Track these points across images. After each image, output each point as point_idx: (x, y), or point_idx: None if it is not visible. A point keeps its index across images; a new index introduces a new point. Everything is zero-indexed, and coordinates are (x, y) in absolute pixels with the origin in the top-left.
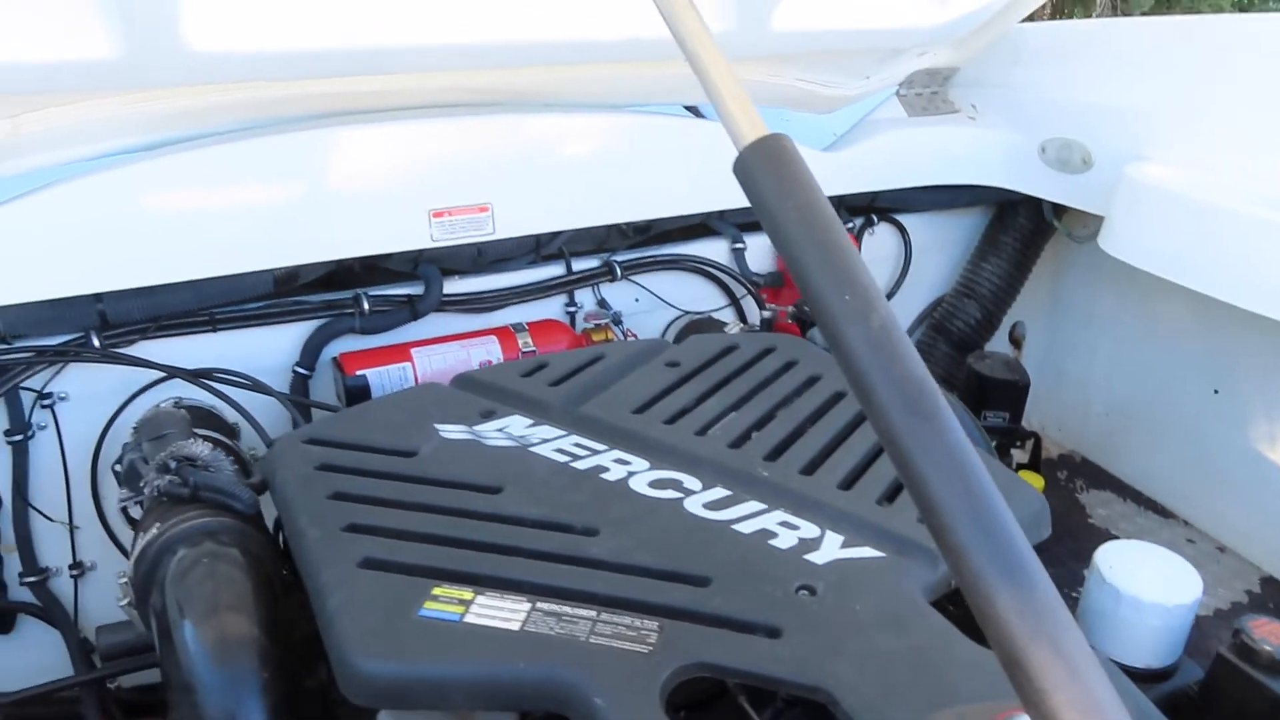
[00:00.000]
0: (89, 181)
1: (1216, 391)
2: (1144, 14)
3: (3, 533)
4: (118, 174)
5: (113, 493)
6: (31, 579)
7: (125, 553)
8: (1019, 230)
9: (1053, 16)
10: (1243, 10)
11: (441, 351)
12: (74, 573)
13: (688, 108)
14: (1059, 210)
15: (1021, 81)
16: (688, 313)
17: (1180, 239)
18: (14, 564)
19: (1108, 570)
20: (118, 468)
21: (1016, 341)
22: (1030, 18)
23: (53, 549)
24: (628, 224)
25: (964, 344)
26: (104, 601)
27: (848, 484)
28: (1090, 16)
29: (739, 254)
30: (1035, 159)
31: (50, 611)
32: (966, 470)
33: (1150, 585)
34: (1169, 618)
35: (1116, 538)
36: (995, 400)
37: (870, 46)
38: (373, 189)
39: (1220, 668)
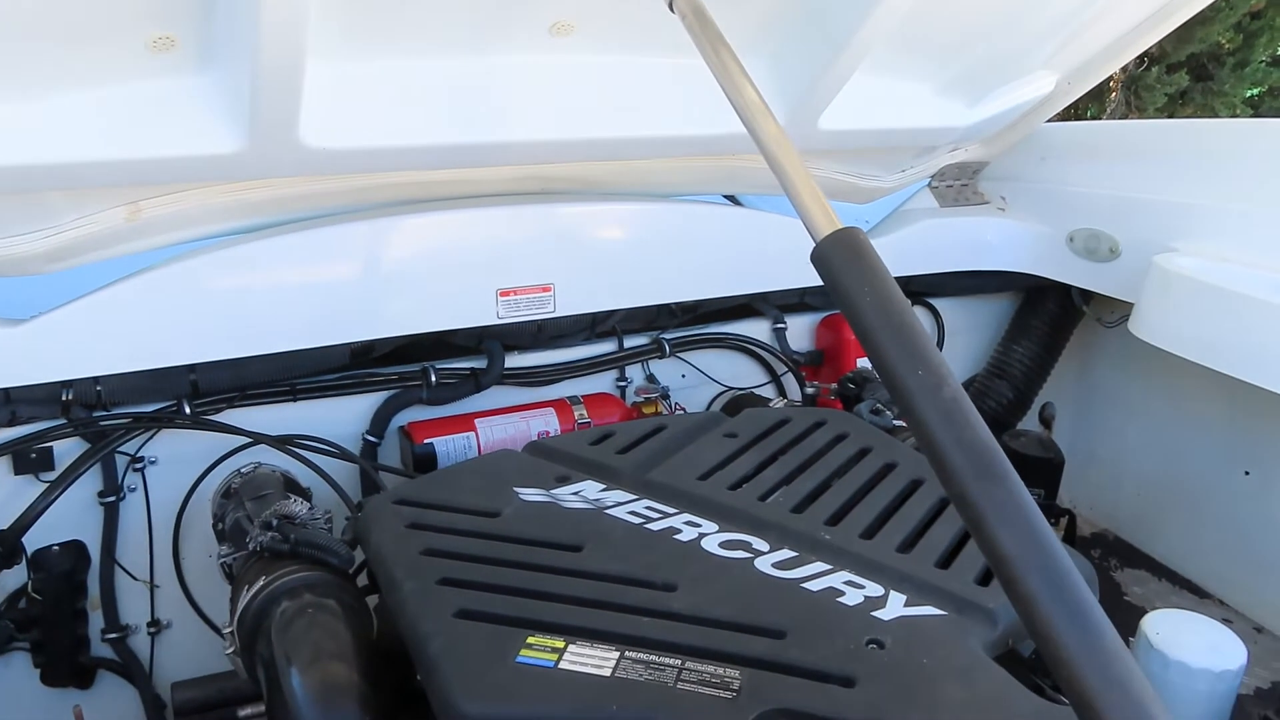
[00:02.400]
0: (189, 263)
1: (1247, 473)
2: (1156, 110)
3: (89, 590)
4: (214, 256)
5: (192, 552)
6: (112, 635)
7: (200, 612)
8: (1048, 315)
9: (1067, 111)
10: (1254, 108)
11: (503, 422)
12: (152, 630)
13: (727, 197)
14: (1087, 296)
15: (1049, 176)
16: (732, 388)
17: (1210, 325)
18: (96, 621)
19: (1155, 637)
20: (221, 526)
21: (1046, 422)
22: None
23: (132, 608)
24: (676, 304)
25: (996, 423)
26: (178, 658)
27: (906, 548)
28: (1103, 113)
29: (780, 333)
30: (1064, 248)
31: (129, 667)
32: (1035, 527)
33: (1197, 651)
34: (1216, 683)
35: None
36: (1030, 478)
37: (907, 144)
38: (445, 270)
39: None
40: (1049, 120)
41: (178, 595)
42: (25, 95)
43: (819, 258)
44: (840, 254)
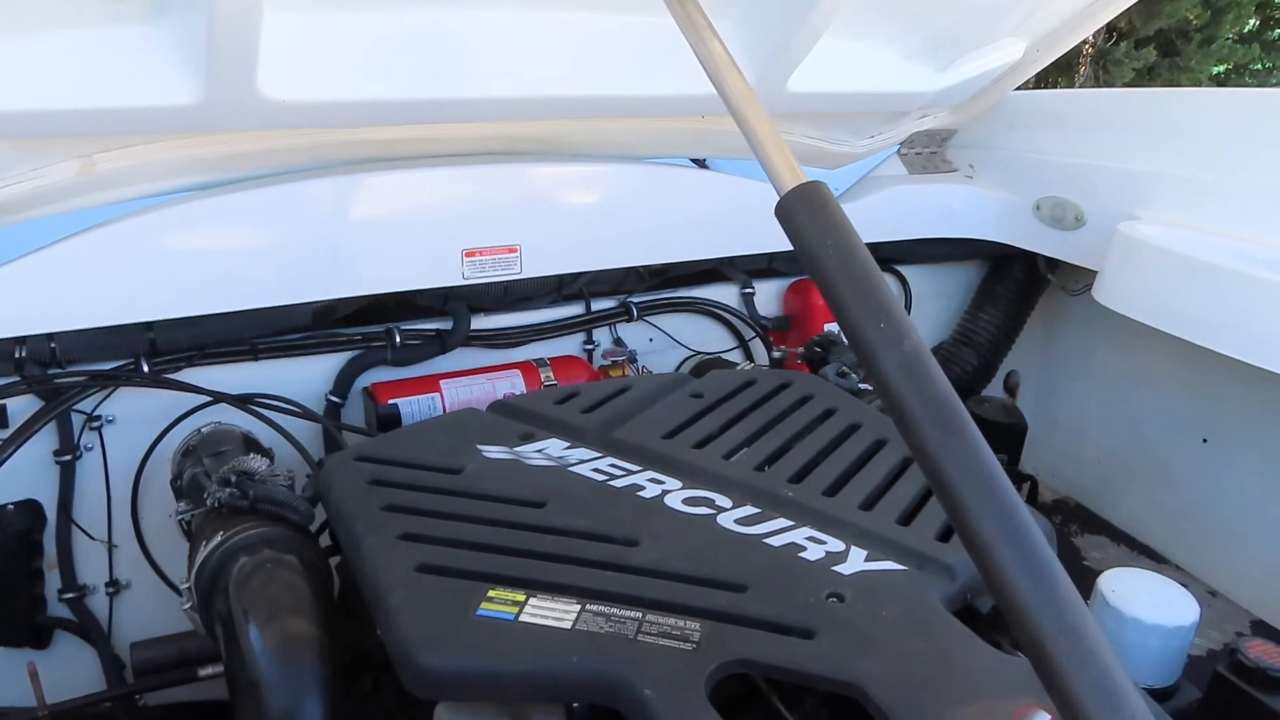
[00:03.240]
0: (146, 218)
1: (1205, 440)
2: (1124, 85)
3: (46, 550)
4: (172, 211)
5: (151, 512)
6: (70, 595)
7: (159, 572)
8: (1014, 282)
9: (1036, 84)
10: (1220, 85)
11: (468, 384)
12: (110, 590)
13: (695, 161)
14: (1053, 264)
15: (1016, 144)
16: (699, 353)
17: (1171, 292)
18: (54, 581)
19: (1111, 594)
20: (178, 483)
21: (1011, 390)
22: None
23: (90, 567)
24: (644, 267)
25: (961, 390)
26: (137, 618)
27: (868, 505)
28: (1072, 87)
29: (748, 298)
30: (1030, 216)
31: (86, 628)
32: (992, 478)
33: (1151, 608)
34: (1169, 638)
35: None
36: (994, 443)
37: (875, 109)
38: (410, 230)
39: (1218, 686)
40: (1017, 89)
41: (137, 555)
42: None
43: (783, 211)
44: (804, 207)
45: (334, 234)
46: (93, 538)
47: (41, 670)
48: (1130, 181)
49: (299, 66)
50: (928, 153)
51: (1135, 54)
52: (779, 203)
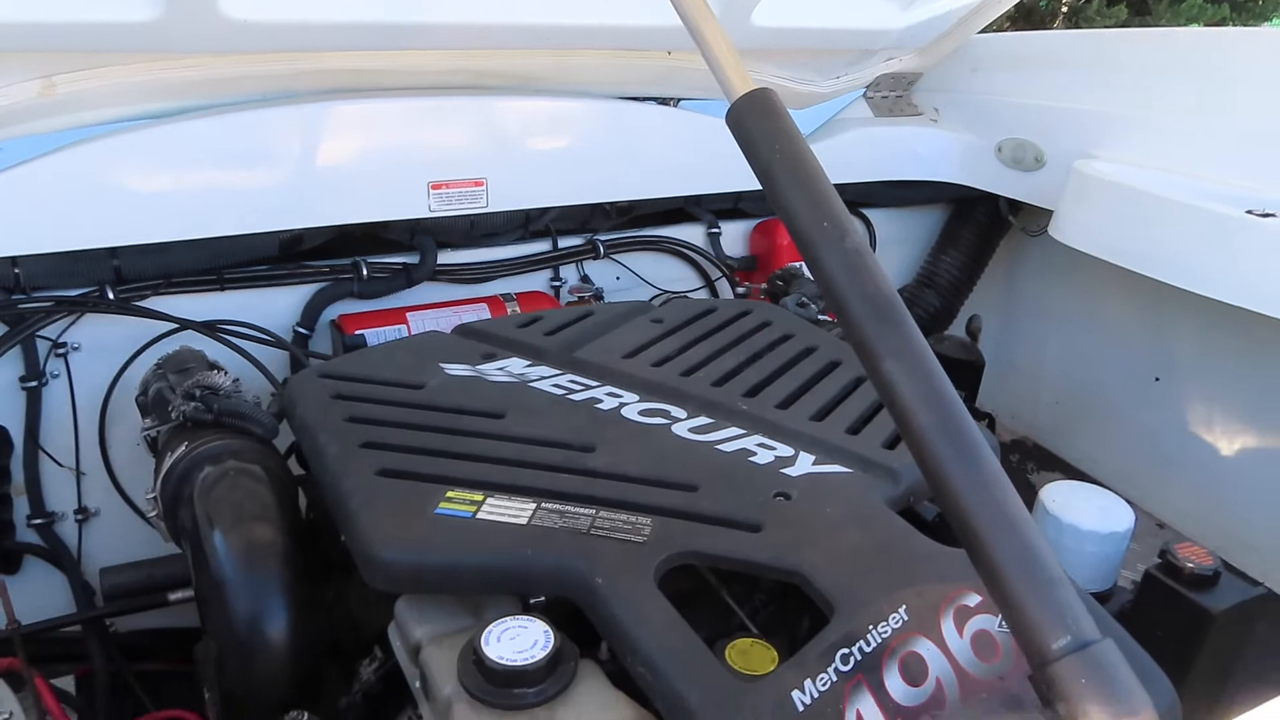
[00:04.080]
0: (110, 142)
1: (1157, 379)
2: None
3: (13, 476)
4: (137, 136)
5: (119, 440)
6: (38, 521)
7: (127, 499)
8: (977, 225)
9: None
10: None
11: (435, 316)
12: (79, 517)
13: (664, 100)
14: (1015, 207)
15: (979, 87)
16: (665, 291)
17: (1124, 226)
18: (22, 507)
19: (1051, 504)
20: (142, 399)
21: (973, 334)
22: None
23: (59, 494)
24: (611, 204)
25: (924, 331)
26: (106, 546)
27: (819, 417)
28: None
29: (714, 238)
30: (992, 158)
31: (55, 554)
32: (926, 367)
33: (1087, 515)
34: (1104, 544)
35: None
36: (953, 380)
37: (841, 46)
38: (376, 160)
39: (1148, 584)
40: (981, 32)
41: (105, 484)
42: None
43: (733, 117)
44: (753, 113)
45: (300, 163)
46: (60, 464)
47: (12, 595)
48: (1087, 121)
49: None
50: (894, 96)
51: (1108, 12)
52: (729, 109)
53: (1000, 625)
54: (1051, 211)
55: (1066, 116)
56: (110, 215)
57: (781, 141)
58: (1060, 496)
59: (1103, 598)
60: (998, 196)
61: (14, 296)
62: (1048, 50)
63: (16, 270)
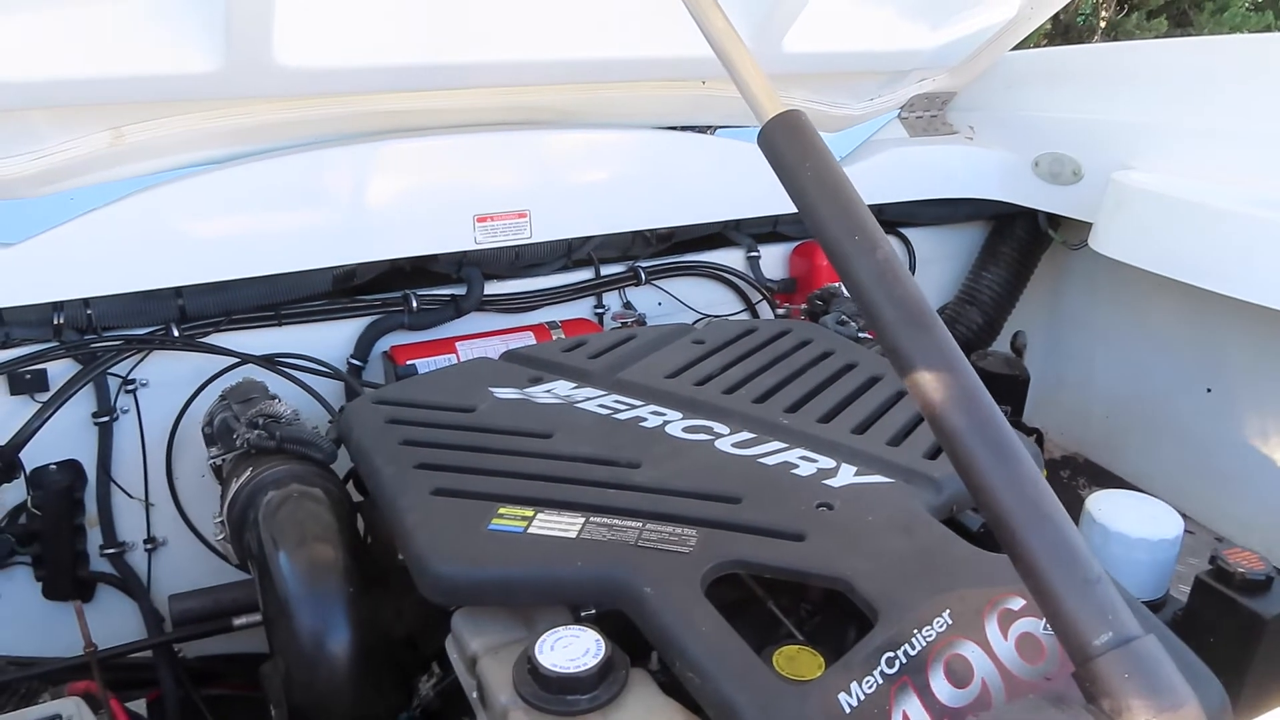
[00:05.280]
0: (174, 187)
1: (1209, 390)
2: None
3: (87, 508)
4: (198, 181)
5: (185, 472)
6: (110, 551)
7: (194, 529)
8: (1017, 241)
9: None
10: None
11: (483, 344)
12: (148, 546)
13: (701, 129)
14: (1054, 221)
15: (1014, 103)
16: (707, 315)
17: (1166, 235)
18: (95, 537)
19: (1097, 513)
20: (208, 429)
21: (1018, 350)
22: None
23: (129, 525)
24: (651, 231)
25: (967, 349)
26: (173, 573)
27: (861, 430)
28: None
29: (754, 262)
30: (1029, 173)
31: (126, 582)
32: (957, 370)
33: (1135, 523)
34: (1153, 551)
35: None
36: (997, 395)
37: (873, 69)
38: (424, 196)
39: (1199, 590)
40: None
41: (172, 514)
42: (3, 10)
43: (764, 138)
44: (783, 134)
45: (351, 201)
46: (131, 496)
47: (87, 622)
48: (1124, 133)
49: (313, 32)
50: (928, 116)
51: (1147, 25)
52: (761, 131)
53: (1045, 628)
54: (1091, 224)
55: (1103, 129)
56: (175, 257)
57: (812, 159)
58: (1107, 505)
59: (1155, 606)
60: (1037, 211)
61: (86, 337)
62: (1082, 64)
63: (89, 311)
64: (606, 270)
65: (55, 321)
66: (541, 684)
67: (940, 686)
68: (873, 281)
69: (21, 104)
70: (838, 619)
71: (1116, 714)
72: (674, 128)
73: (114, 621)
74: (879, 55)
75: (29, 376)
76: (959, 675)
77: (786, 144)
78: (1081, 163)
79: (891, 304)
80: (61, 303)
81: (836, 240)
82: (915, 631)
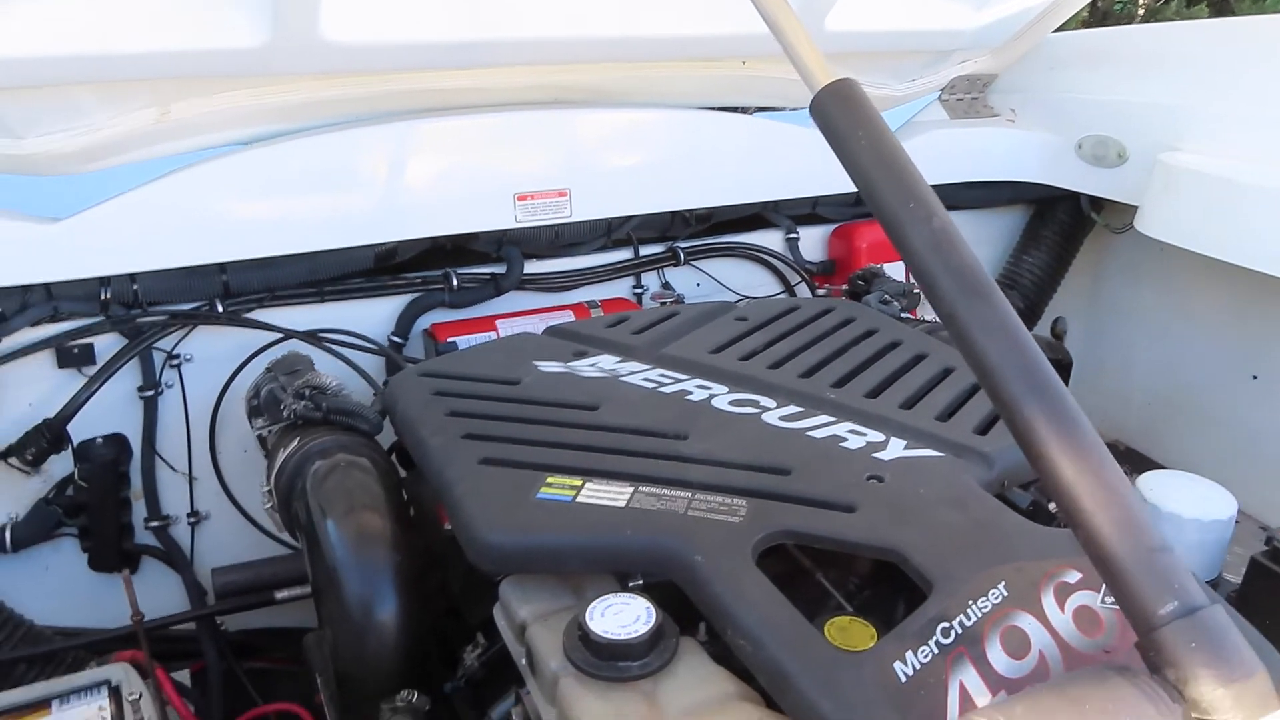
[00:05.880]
0: (218, 164)
1: (1255, 377)
2: None
3: (132, 481)
4: (242, 158)
5: (228, 447)
6: (155, 524)
7: (236, 504)
8: (1059, 224)
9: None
10: None
11: (522, 323)
12: (191, 520)
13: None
14: (1098, 205)
15: (1057, 85)
16: (746, 297)
17: (1214, 217)
18: (140, 510)
19: (1149, 493)
20: (254, 401)
21: (1059, 336)
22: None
23: (173, 499)
24: (690, 212)
25: None
26: (216, 547)
27: (909, 405)
28: None
29: (793, 243)
30: (1072, 156)
31: (171, 554)
32: (1016, 337)
33: (1187, 504)
34: (1205, 532)
35: None
36: None
37: (914, 49)
38: (465, 175)
39: (1254, 571)
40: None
41: (215, 488)
42: None
43: (816, 108)
44: (836, 102)
45: (393, 179)
46: (175, 469)
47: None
48: (1170, 115)
49: (359, 9)
50: (969, 98)
51: (1187, 12)
52: (812, 101)
53: (1103, 601)
54: (1136, 208)
55: (1149, 111)
56: (219, 233)
57: (865, 128)
58: (1158, 485)
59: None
60: (1079, 194)
61: (132, 311)
62: (1127, 45)
63: (135, 287)
64: (645, 250)
65: (102, 296)
66: (592, 650)
67: (997, 657)
68: (929, 250)
69: (69, 79)
70: (887, 593)
71: (1182, 684)
72: (713, 108)
73: (158, 594)
74: (921, 35)
75: (76, 350)
76: (1016, 647)
77: (839, 113)
78: (1126, 145)
79: (948, 273)
80: (108, 278)
81: (891, 209)
82: (970, 603)
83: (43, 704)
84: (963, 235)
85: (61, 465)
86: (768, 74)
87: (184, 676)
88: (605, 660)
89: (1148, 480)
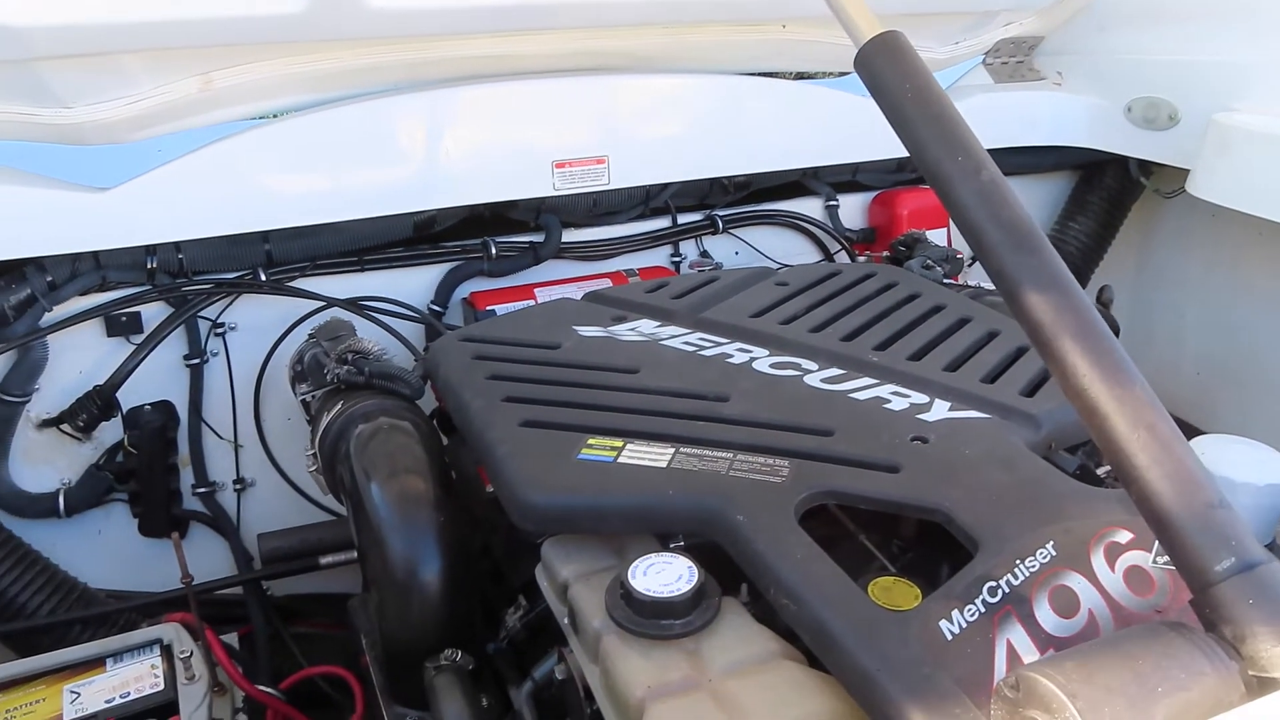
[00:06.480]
0: (260, 133)
1: None
2: None
3: (179, 448)
4: (284, 127)
5: (272, 415)
6: (202, 490)
7: (280, 471)
8: (1106, 190)
9: None
10: None
11: (561, 291)
12: (237, 487)
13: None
14: (1147, 169)
15: (1105, 47)
16: (784, 265)
17: (1271, 176)
18: (188, 477)
19: (1201, 457)
20: (298, 367)
21: (1105, 304)
22: None
23: (219, 465)
24: (729, 179)
25: None
26: (262, 514)
27: (953, 368)
28: None
29: (832, 211)
30: (1121, 119)
31: (218, 520)
32: (1068, 291)
33: (1240, 468)
34: (1259, 496)
35: None
36: None
37: (959, 10)
38: (503, 142)
39: None
40: None
41: (260, 456)
42: None
43: (861, 61)
44: (882, 55)
45: (431, 147)
46: (220, 436)
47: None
48: (1224, 74)
49: None
50: (1014, 62)
51: None
52: (858, 54)
53: (1154, 561)
54: (1187, 171)
55: (1201, 70)
56: (262, 202)
57: (912, 80)
58: (1210, 449)
59: None
60: (1128, 159)
61: (178, 280)
62: (1178, 3)
63: (180, 256)
64: (683, 219)
65: (149, 265)
66: (635, 608)
67: (1045, 616)
68: (977, 204)
69: (115, 47)
70: (930, 554)
71: (1239, 641)
72: (752, 74)
73: (205, 559)
74: None
75: (124, 319)
76: (1064, 606)
77: (885, 66)
78: (1178, 106)
79: (998, 227)
80: (154, 246)
81: (938, 162)
82: (1018, 562)
83: (98, 662)
84: (1011, 189)
85: (111, 432)
86: (808, 37)
87: (231, 640)
88: (648, 618)
89: (1200, 444)
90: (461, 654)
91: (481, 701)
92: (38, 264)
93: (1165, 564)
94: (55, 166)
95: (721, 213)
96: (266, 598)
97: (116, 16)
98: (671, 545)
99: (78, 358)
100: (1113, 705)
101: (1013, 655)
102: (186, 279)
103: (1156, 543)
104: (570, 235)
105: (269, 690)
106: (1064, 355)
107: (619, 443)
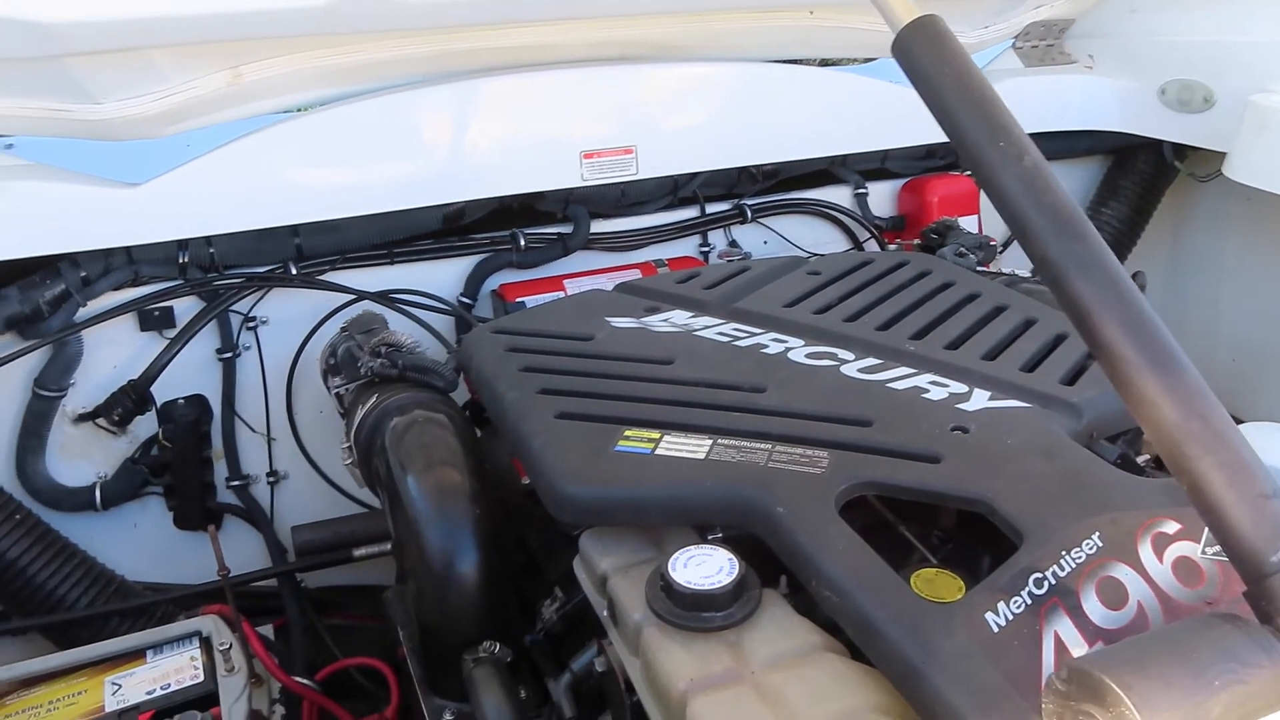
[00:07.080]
0: (288, 127)
1: None
2: None
3: (213, 442)
4: (311, 120)
5: (304, 408)
6: (236, 483)
7: (313, 464)
8: (1138, 174)
9: None
10: None
11: (590, 282)
12: (270, 480)
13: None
14: (1180, 153)
15: (1137, 29)
16: (814, 254)
17: None
18: (221, 470)
19: None
20: (331, 360)
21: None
22: None
23: (253, 459)
24: (757, 168)
25: None
26: (295, 507)
27: (991, 357)
28: None
29: (861, 199)
30: (1155, 102)
31: (252, 513)
32: (1115, 278)
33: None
34: None
35: None
36: None
37: None
38: (531, 133)
39: None
40: None
41: (292, 448)
42: None
43: (899, 46)
44: (920, 40)
45: (459, 139)
46: (254, 430)
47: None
48: (1261, 54)
49: None
50: (1044, 45)
51: None
52: (895, 39)
53: (1203, 552)
54: (1224, 155)
55: (1237, 51)
56: (291, 196)
57: (951, 64)
58: (1254, 437)
59: None
60: (1161, 142)
61: (209, 275)
62: None
63: (211, 250)
64: (711, 208)
65: (180, 260)
66: (676, 600)
67: (1093, 608)
68: (1020, 190)
69: (145, 42)
70: (971, 546)
71: None
72: (779, 61)
73: (240, 552)
74: None
75: (157, 314)
76: (1112, 597)
77: (924, 50)
78: (1213, 88)
79: (1041, 213)
80: (186, 241)
81: (979, 147)
82: (1063, 553)
83: (138, 654)
84: (1055, 174)
85: (146, 426)
86: (835, 23)
87: (267, 632)
88: (689, 610)
89: (1243, 432)
90: (499, 646)
91: (520, 693)
92: (71, 259)
93: (1215, 554)
94: (86, 162)
95: (750, 202)
96: (301, 590)
97: (146, 11)
98: (710, 537)
99: (112, 352)
100: (1169, 698)
101: (1060, 648)
102: (218, 273)
103: (1206, 533)
104: (599, 226)
105: (305, 681)
106: (1112, 343)
107: (656, 434)
